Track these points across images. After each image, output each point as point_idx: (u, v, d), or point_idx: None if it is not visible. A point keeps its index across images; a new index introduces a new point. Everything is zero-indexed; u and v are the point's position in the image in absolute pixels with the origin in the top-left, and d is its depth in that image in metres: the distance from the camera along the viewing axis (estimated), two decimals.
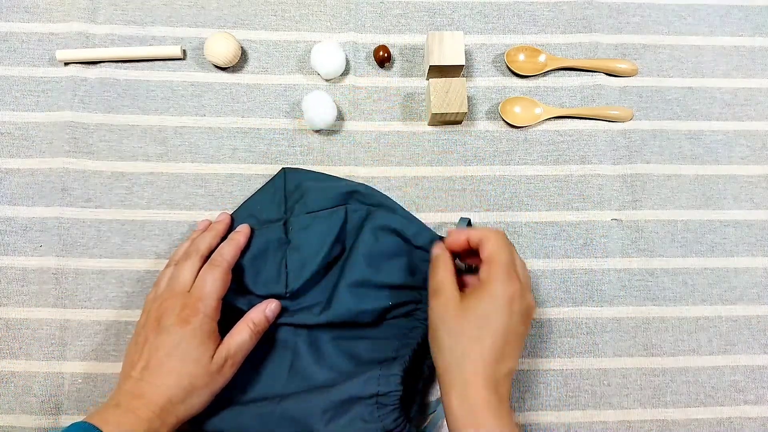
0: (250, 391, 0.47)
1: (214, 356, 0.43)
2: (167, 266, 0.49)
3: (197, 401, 0.42)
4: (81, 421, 0.39)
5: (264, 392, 0.46)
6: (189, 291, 0.44)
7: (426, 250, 0.49)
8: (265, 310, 0.46)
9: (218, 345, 0.43)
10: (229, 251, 0.47)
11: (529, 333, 0.43)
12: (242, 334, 0.44)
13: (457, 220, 0.56)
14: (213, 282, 0.44)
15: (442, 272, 0.44)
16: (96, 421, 0.38)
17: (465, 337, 0.40)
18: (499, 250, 0.43)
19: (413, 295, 0.49)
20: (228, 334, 0.44)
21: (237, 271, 0.48)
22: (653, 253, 0.57)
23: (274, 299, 0.47)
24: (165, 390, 0.40)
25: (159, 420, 0.40)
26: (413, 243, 0.49)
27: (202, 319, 0.43)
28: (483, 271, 0.43)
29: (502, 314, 0.41)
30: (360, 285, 0.48)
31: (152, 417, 0.39)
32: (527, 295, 0.43)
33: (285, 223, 0.51)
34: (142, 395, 0.40)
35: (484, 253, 0.43)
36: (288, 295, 0.48)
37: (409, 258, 0.49)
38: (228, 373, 0.44)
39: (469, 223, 0.52)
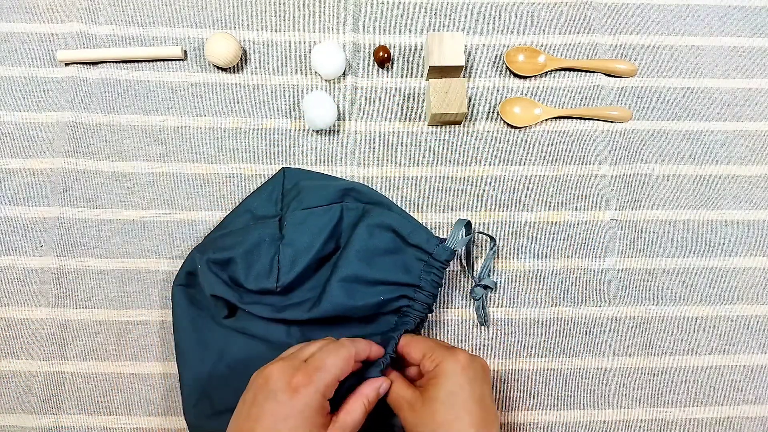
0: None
1: None
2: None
3: None
4: None
5: None
6: (305, 360, 0.40)
7: (421, 248, 0.49)
8: (379, 387, 0.43)
9: (328, 423, 0.39)
10: (362, 344, 0.42)
11: (491, 390, 0.44)
12: (357, 411, 0.40)
13: (455, 220, 0.56)
14: (336, 357, 0.39)
15: (392, 387, 0.44)
16: None
17: (445, 422, 0.40)
18: (427, 341, 0.45)
19: (407, 290, 0.48)
20: (342, 410, 0.40)
21: (229, 264, 0.48)
22: (652, 253, 0.57)
23: (386, 378, 0.44)
24: None
25: None
26: (408, 241, 0.49)
27: (313, 393, 0.37)
28: (426, 363, 0.44)
29: (464, 383, 0.41)
30: (352, 280, 0.47)
31: None
32: (475, 357, 0.44)
33: (280, 220, 0.51)
34: None
35: (418, 352, 0.45)
36: (278, 289, 0.48)
37: (404, 255, 0.49)
38: None
39: (468, 225, 0.51)
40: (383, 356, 0.44)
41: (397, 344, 0.46)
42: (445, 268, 0.49)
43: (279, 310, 0.48)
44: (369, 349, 0.43)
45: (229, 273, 0.48)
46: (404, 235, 0.49)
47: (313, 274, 0.49)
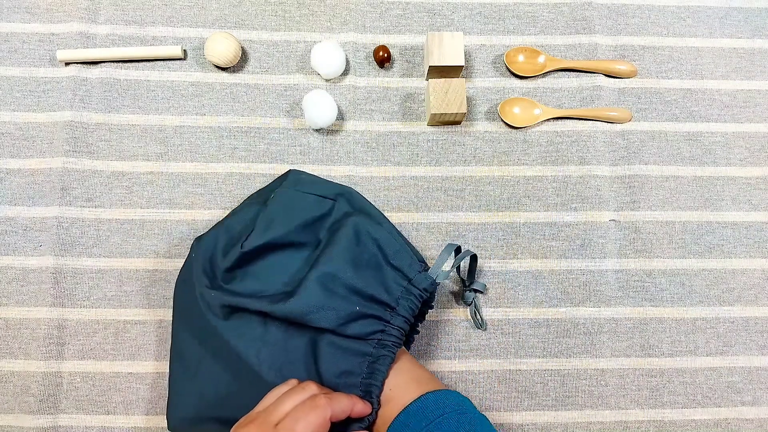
0: (225, 410, 0.45)
1: None
2: (288, 383, 0.42)
3: None
4: None
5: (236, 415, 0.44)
6: (277, 424, 0.38)
7: (402, 272, 0.46)
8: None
9: None
10: (340, 403, 0.40)
11: None
12: None
13: (454, 220, 0.56)
14: (307, 423, 0.37)
15: None
16: None
17: None
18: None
19: (383, 312, 0.44)
20: None
21: (214, 239, 0.47)
22: (651, 254, 0.57)
23: (366, 404, 0.42)
24: None
25: None
26: (390, 261, 0.46)
27: None
28: None
29: None
30: (331, 279, 0.44)
31: None
32: None
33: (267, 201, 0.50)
34: None
35: None
36: (243, 248, 0.46)
37: (384, 275, 0.46)
38: None
39: (458, 250, 0.48)
40: (369, 414, 0.42)
41: (380, 393, 0.43)
42: (424, 298, 0.46)
43: (252, 300, 0.45)
44: (351, 406, 0.40)
45: (211, 251, 0.47)
46: (388, 254, 0.46)
47: (278, 257, 0.47)
